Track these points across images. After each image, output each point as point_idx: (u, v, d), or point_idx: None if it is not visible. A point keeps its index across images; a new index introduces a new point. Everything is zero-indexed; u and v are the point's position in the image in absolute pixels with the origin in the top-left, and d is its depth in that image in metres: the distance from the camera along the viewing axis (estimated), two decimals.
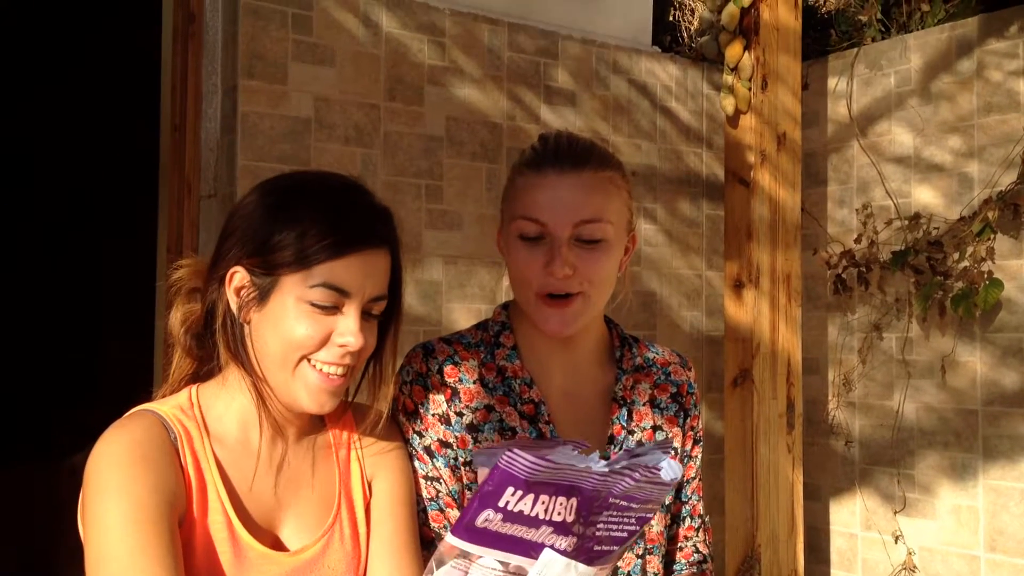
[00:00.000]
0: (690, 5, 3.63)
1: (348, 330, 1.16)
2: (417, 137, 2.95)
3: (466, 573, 0.89)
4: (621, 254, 1.41)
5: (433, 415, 1.37)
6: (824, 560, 3.57)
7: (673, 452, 0.97)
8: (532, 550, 0.89)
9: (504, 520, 0.86)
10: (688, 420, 1.54)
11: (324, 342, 1.16)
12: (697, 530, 1.58)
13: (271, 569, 1.17)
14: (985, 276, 3.04)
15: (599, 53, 3.34)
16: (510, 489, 0.85)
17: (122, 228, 4.37)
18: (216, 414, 1.21)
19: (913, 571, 3.26)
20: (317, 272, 1.14)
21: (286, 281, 1.15)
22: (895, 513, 3.34)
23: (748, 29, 3.09)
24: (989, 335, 3.13)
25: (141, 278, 3.16)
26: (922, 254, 3.21)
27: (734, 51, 3.09)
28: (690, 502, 1.57)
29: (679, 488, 1.55)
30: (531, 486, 0.85)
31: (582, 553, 0.91)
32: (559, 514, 0.88)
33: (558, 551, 0.89)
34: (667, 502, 1.51)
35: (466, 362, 1.40)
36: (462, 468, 1.37)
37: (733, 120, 3.13)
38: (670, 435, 1.49)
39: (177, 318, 1.25)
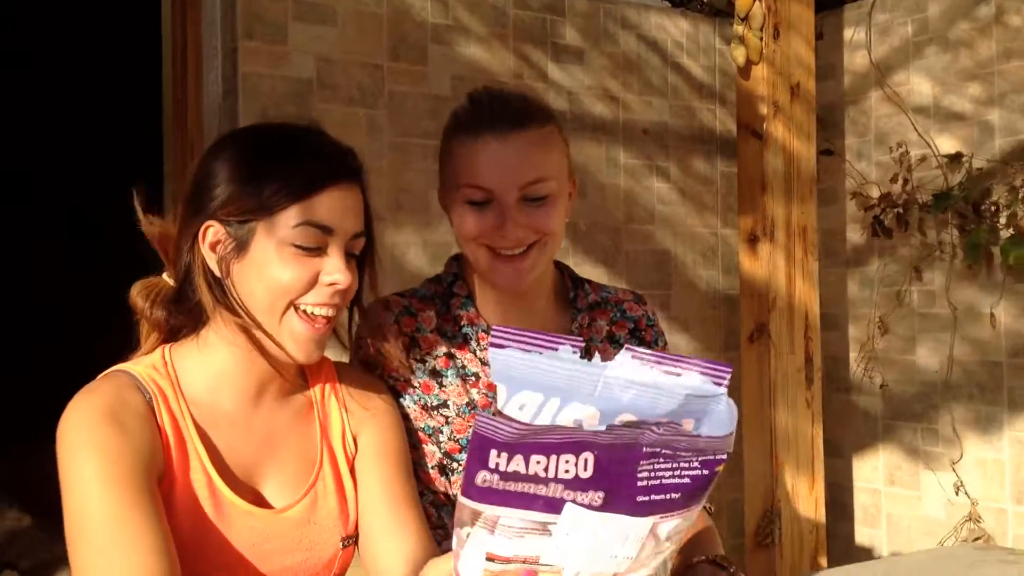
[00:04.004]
0: None
1: (335, 268, 1.14)
2: (423, 97, 2.91)
3: (492, 533, 0.83)
4: (567, 200, 1.41)
5: (394, 361, 1.38)
6: (848, 516, 3.52)
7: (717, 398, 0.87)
8: (550, 506, 0.82)
9: (502, 479, 0.80)
10: None
11: (311, 284, 1.14)
12: None
13: (255, 525, 1.15)
14: None
15: (607, 9, 3.28)
16: (493, 452, 0.79)
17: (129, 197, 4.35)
18: (191, 375, 1.18)
19: (979, 521, 3.17)
20: (297, 211, 1.12)
21: (265, 226, 1.13)
22: (952, 464, 3.25)
23: None
24: (1014, 285, 3.05)
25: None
26: (967, 200, 3.08)
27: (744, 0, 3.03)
28: None
29: None
30: (514, 448, 0.79)
31: (624, 504, 0.84)
32: (567, 471, 0.81)
33: (582, 505, 0.82)
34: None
35: (422, 312, 1.41)
36: (431, 411, 1.38)
37: (745, 71, 3.06)
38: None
39: (137, 291, 1.22)
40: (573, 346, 0.85)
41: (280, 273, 1.13)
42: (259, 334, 1.16)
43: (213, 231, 1.15)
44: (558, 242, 1.39)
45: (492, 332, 0.86)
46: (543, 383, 0.84)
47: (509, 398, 0.84)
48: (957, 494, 3.21)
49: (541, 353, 0.85)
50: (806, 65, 3.11)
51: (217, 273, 1.16)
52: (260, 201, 1.12)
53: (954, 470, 3.22)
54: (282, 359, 1.18)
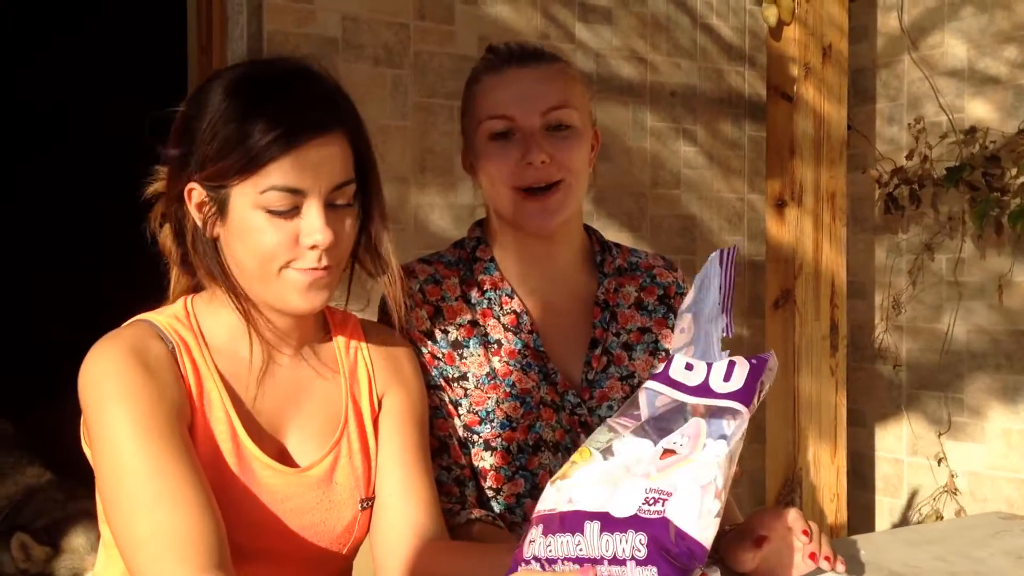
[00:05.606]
0: None
1: (313, 228, 1.08)
2: (448, 57, 2.88)
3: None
4: (589, 146, 1.40)
5: (419, 331, 1.37)
6: (869, 486, 3.51)
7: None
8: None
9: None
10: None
11: (294, 246, 1.09)
12: None
13: (276, 481, 1.14)
14: None
15: None
16: None
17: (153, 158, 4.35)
18: (211, 326, 1.16)
19: (955, 493, 3.18)
20: (263, 176, 1.06)
21: (238, 191, 1.07)
22: (939, 435, 3.25)
23: None
24: None
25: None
26: (978, 170, 3.07)
27: None
28: None
29: None
30: None
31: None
32: None
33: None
34: None
35: (447, 280, 1.40)
36: (452, 383, 1.37)
37: (776, 32, 3.00)
38: (659, 336, 1.46)
39: (168, 232, 1.19)
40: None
41: (259, 238, 1.08)
42: (248, 305, 1.12)
43: (197, 193, 1.10)
44: (582, 185, 1.38)
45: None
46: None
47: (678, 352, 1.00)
48: (939, 465, 3.22)
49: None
50: (839, 25, 3.05)
51: (206, 235, 1.12)
52: (229, 166, 1.06)
53: (941, 443, 3.22)
54: (288, 312, 1.14)
